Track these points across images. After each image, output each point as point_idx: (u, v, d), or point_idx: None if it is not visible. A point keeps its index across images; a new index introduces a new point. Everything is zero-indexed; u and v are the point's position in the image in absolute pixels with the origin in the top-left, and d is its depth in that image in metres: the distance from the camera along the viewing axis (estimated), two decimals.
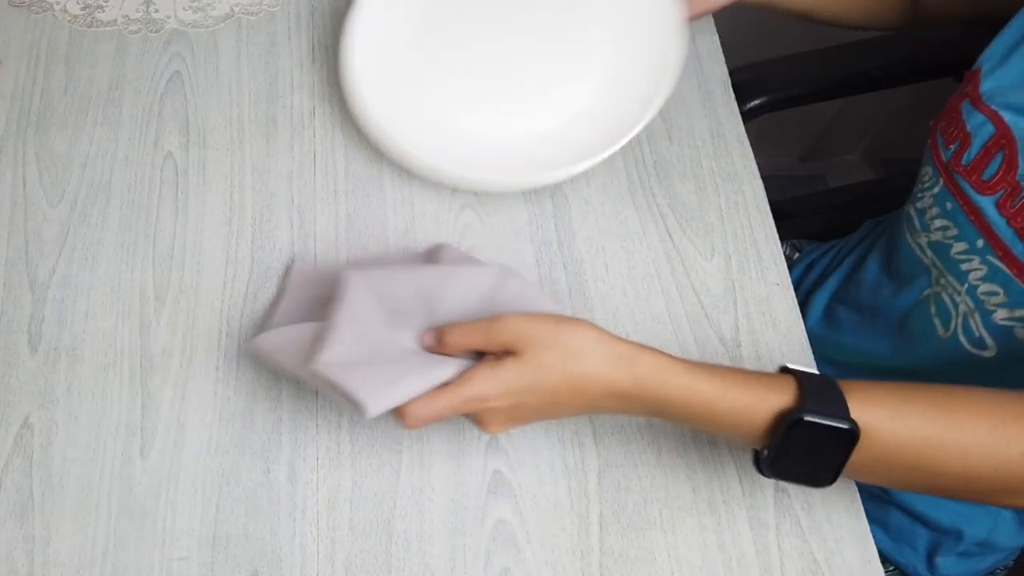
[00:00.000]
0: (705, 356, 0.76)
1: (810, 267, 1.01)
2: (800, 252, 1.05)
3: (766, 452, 0.59)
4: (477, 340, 0.60)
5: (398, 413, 0.59)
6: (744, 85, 0.93)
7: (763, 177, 0.86)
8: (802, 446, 0.58)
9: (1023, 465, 0.58)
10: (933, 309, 0.78)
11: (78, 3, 0.91)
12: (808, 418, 0.56)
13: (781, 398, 0.58)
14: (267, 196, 0.81)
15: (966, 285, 0.74)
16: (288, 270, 0.76)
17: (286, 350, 0.64)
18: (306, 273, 0.76)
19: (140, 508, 0.67)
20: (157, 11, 0.91)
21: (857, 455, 0.58)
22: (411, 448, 0.70)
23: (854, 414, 0.57)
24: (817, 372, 0.61)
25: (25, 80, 0.86)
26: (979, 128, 0.73)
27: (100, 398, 0.70)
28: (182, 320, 0.74)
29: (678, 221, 0.82)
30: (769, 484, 0.70)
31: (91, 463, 0.68)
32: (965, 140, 0.74)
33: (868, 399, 0.58)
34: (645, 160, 0.85)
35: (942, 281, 0.77)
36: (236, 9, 0.92)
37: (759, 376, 0.60)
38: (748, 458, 0.71)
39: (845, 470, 0.59)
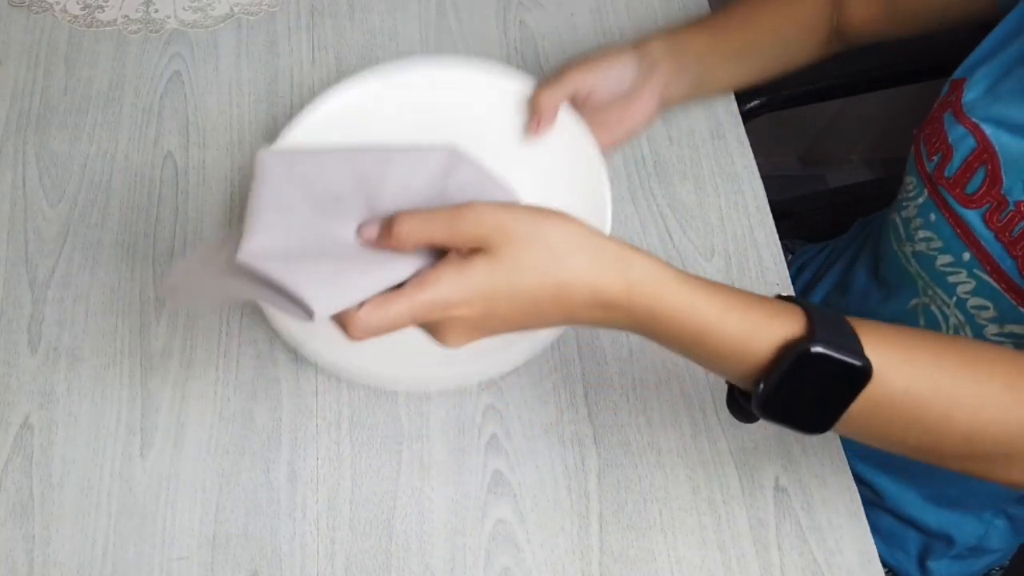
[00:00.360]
0: None
1: (802, 269, 1.00)
2: (793, 253, 1.05)
3: (761, 387, 0.51)
4: (439, 232, 0.49)
5: (342, 321, 0.49)
6: None
7: (763, 177, 0.86)
8: (805, 382, 0.50)
9: None
10: (922, 321, 0.77)
11: (78, 3, 0.91)
12: (818, 349, 0.49)
13: (789, 326, 0.50)
14: None
15: (955, 298, 0.73)
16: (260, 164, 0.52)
17: (200, 270, 0.52)
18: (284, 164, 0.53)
19: (140, 508, 0.67)
20: (157, 11, 0.91)
21: (860, 399, 0.51)
22: (411, 448, 0.70)
23: (867, 351, 0.50)
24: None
25: (25, 80, 0.86)
26: (960, 141, 0.71)
27: (100, 398, 0.70)
28: (182, 320, 0.74)
29: (678, 221, 0.82)
30: (769, 484, 0.70)
31: (91, 463, 0.68)
32: (947, 152, 0.72)
33: (880, 337, 0.51)
34: (645, 160, 0.85)
35: (930, 292, 0.76)
36: (236, 9, 0.92)
37: (763, 299, 0.52)
38: (749, 458, 0.71)
39: (841, 419, 0.52)
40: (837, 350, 0.49)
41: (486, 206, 0.49)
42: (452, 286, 0.48)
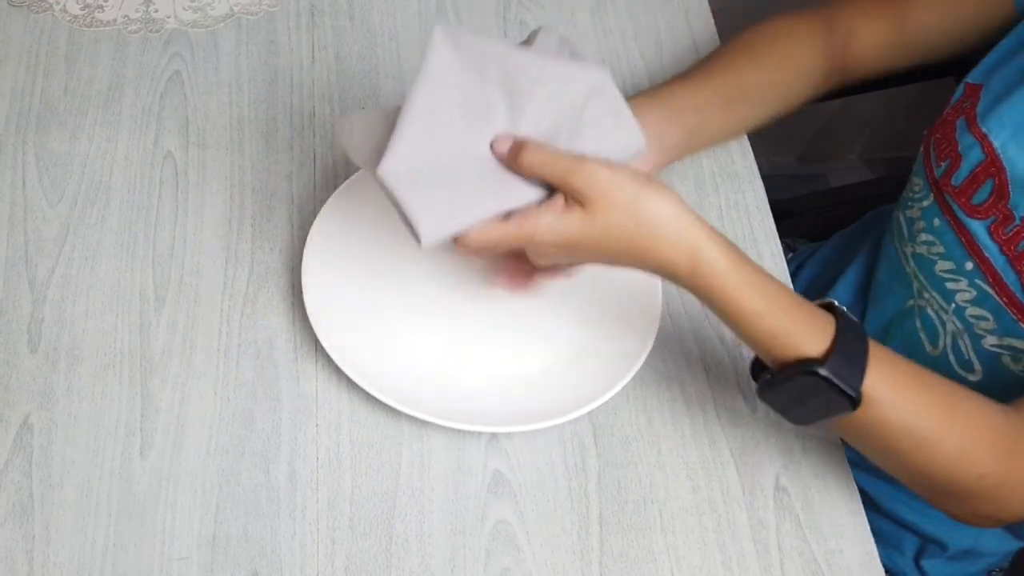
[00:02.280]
0: (705, 356, 0.75)
1: (801, 267, 1.00)
2: (794, 251, 1.05)
3: (768, 378, 0.60)
4: (555, 175, 0.57)
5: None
6: None
7: (763, 177, 0.86)
8: (803, 390, 0.58)
9: (975, 485, 0.60)
10: (918, 323, 0.77)
11: (78, 3, 0.91)
12: (823, 372, 0.57)
13: (812, 345, 0.58)
14: (267, 196, 0.81)
15: (953, 305, 0.73)
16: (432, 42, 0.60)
17: (360, 138, 0.61)
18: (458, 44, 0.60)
19: (140, 508, 0.67)
20: (157, 11, 0.91)
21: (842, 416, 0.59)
22: (411, 448, 0.70)
23: (866, 383, 0.57)
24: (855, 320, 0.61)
25: (25, 80, 0.86)
26: (969, 150, 0.70)
27: (100, 398, 0.70)
28: (182, 320, 0.74)
29: None
30: (769, 484, 0.70)
31: (91, 463, 0.68)
32: (956, 160, 0.71)
33: (884, 377, 0.59)
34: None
35: (925, 296, 0.76)
36: (236, 9, 0.92)
37: (803, 312, 0.59)
38: (749, 458, 0.71)
39: (820, 423, 0.61)
40: (837, 378, 0.57)
41: (600, 168, 0.57)
42: (548, 229, 0.58)
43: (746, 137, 0.87)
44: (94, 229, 0.78)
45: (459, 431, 0.70)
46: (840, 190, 1.52)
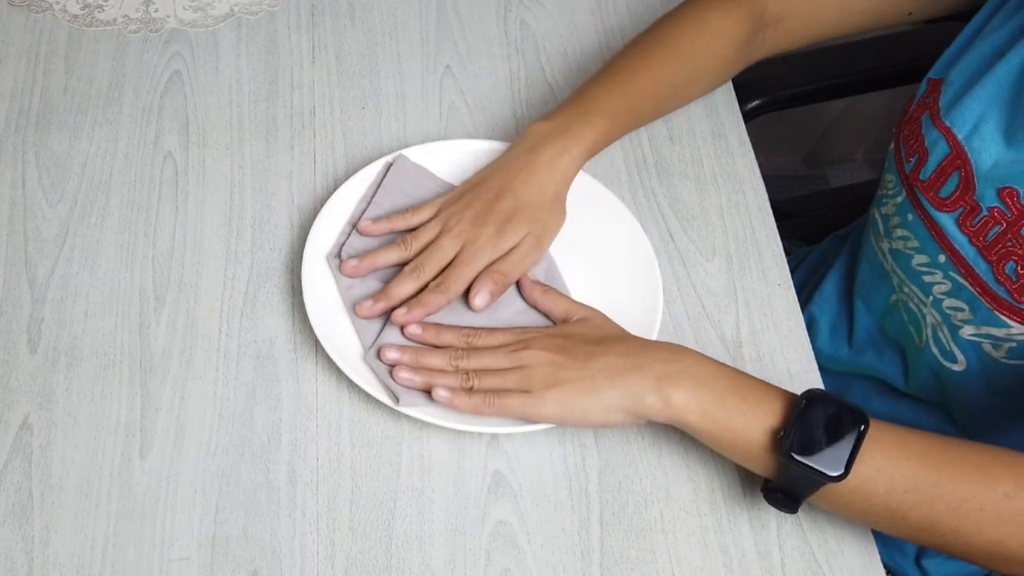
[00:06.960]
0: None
1: (796, 270, 1.00)
2: (791, 254, 1.05)
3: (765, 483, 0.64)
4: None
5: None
6: (745, 85, 0.93)
7: (764, 177, 0.86)
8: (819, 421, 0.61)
9: (1006, 507, 0.58)
10: (905, 317, 0.78)
11: (78, 3, 0.91)
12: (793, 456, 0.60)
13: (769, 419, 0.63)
14: (267, 196, 0.81)
15: (931, 298, 0.74)
16: (388, 166, 0.79)
17: (352, 311, 0.72)
18: (405, 171, 0.79)
19: (139, 509, 0.66)
20: (157, 11, 0.91)
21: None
22: (411, 448, 0.70)
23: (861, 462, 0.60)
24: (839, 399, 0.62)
25: (25, 79, 0.86)
26: (935, 144, 0.71)
27: (99, 398, 0.70)
28: (182, 320, 0.74)
29: (679, 221, 0.82)
30: None
31: (90, 463, 0.68)
32: (923, 155, 0.72)
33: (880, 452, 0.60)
34: (646, 160, 0.85)
35: (905, 290, 0.76)
36: (236, 8, 0.92)
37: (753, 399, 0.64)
38: None
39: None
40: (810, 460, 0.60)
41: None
42: (543, 332, 0.71)
43: (747, 137, 0.87)
44: (94, 229, 0.78)
45: (459, 431, 0.70)
46: (842, 190, 1.52)
